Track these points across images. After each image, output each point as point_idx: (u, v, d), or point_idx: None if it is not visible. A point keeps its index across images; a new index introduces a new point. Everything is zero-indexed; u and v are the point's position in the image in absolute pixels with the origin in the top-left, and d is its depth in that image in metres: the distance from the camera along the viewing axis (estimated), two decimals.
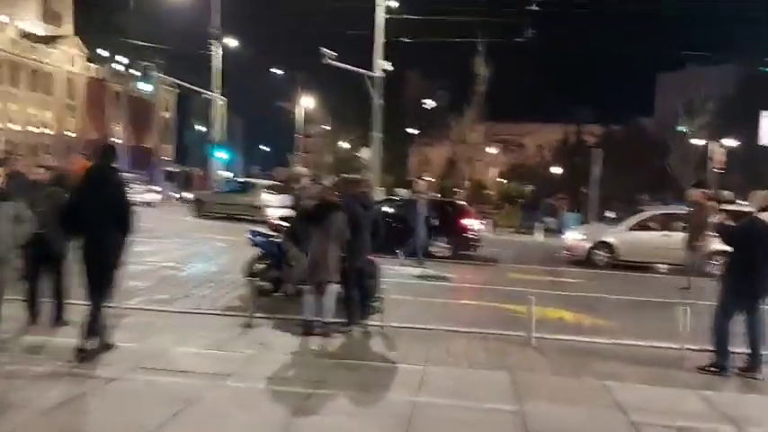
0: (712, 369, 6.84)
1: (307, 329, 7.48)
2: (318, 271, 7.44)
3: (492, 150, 62.22)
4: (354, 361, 6.57)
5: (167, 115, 78.92)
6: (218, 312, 8.40)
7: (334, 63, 22.18)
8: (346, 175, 8.35)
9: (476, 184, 52.46)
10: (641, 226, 16.30)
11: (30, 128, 57.31)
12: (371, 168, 24.31)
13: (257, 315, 8.14)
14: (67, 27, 64.55)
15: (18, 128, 55.54)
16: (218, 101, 31.21)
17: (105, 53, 63.88)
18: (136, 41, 46.06)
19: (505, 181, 55.30)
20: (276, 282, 9.69)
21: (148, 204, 27.31)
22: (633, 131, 45.37)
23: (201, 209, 25.17)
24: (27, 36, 57.60)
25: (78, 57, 62.94)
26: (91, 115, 64.97)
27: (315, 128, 45.10)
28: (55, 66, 59.80)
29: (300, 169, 10.52)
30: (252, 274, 9.80)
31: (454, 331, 8.20)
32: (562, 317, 9.61)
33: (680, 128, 34.04)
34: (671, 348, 7.65)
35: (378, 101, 23.45)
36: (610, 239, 15.95)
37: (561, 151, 57.91)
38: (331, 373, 6.13)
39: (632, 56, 77.19)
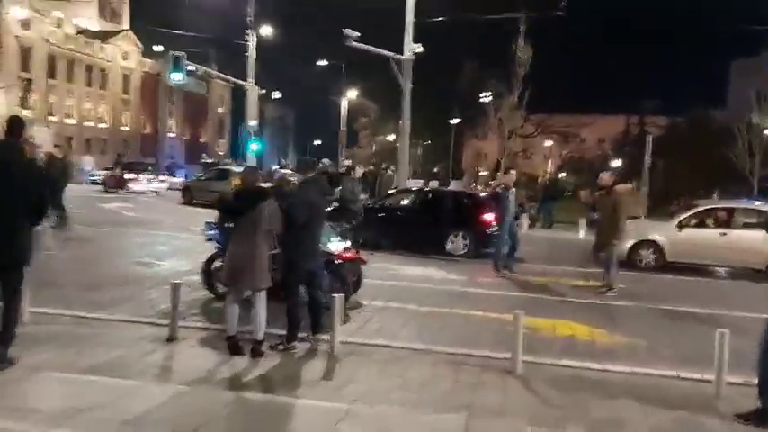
0: (754, 419, 5.00)
1: (233, 347, 6.03)
2: (241, 274, 5.95)
3: (547, 143, 59.55)
4: (261, 395, 5.06)
5: (221, 110, 79.42)
6: (146, 321, 7.03)
7: (357, 45, 20.68)
8: (302, 157, 6.86)
9: (528, 178, 50.09)
10: (695, 222, 14.13)
11: (85, 123, 58.33)
12: (402, 159, 22.70)
13: (187, 325, 6.77)
14: (123, 23, 65.53)
15: (74, 122, 56.58)
16: (253, 91, 30.21)
17: (160, 48, 64.67)
18: (186, 33, 46.08)
19: (548, 174, 52.51)
20: None
21: (155, 192, 30.82)
22: (700, 122, 42.03)
23: (190, 196, 25.98)
24: (83, 32, 58.61)
25: (133, 52, 63.75)
26: (145, 109, 65.78)
27: (360, 120, 43.85)
28: (110, 61, 60.70)
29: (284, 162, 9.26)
30: (208, 275, 8.46)
31: (424, 351, 6.58)
32: (574, 333, 7.82)
33: (753, 119, 30.90)
34: (704, 381, 5.85)
35: (407, 86, 21.81)
36: (656, 237, 13.84)
37: (621, 143, 54.81)
38: (215, 414, 4.66)
39: (705, 42, 72.55)
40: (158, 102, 67.16)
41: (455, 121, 40.13)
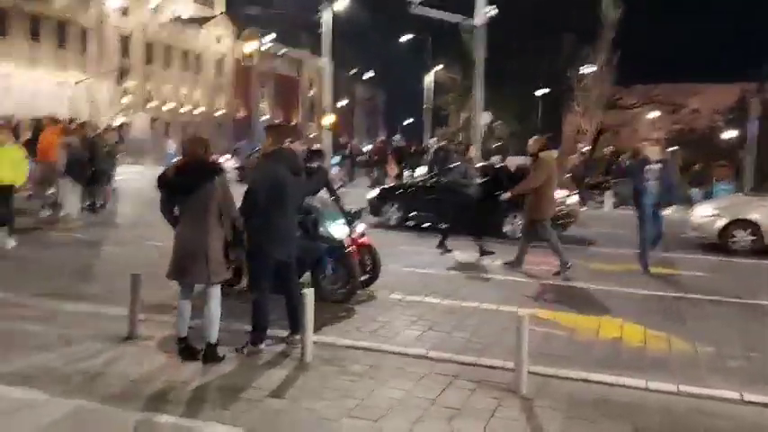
0: None
1: (185, 351, 5.15)
2: (189, 267, 5.02)
3: (651, 115, 55.37)
4: (175, 420, 4.10)
5: (313, 92, 79.91)
6: (113, 315, 6.27)
7: (422, 11, 19.33)
8: (273, 122, 5.77)
9: (633, 152, 46.65)
10: None
11: (182, 108, 60.23)
12: (474, 135, 21.17)
13: (164, 320, 5.99)
14: (218, 8, 66.91)
15: (170, 107, 58.53)
16: (326, 66, 29.55)
17: (253, 32, 65.65)
18: (278, 13, 45.96)
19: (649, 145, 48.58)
20: (236, 272, 7.48)
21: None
22: None
23: (243, 176, 24.67)
24: (178, 19, 60.29)
25: (226, 36, 65.01)
26: (238, 93, 67.13)
27: (445, 96, 42.16)
28: (204, 46, 62.19)
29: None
30: None
31: (418, 358, 5.44)
32: (622, 335, 6.39)
33: None
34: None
35: (480, 55, 20.22)
36: (753, 216, 11.78)
37: (736, 114, 49.95)
38: None
39: None
40: (251, 85, 68.33)
41: (542, 92, 37.58)
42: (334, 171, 27.53)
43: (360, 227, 7.99)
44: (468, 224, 12.74)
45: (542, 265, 9.78)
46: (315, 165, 8.17)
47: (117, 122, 48.95)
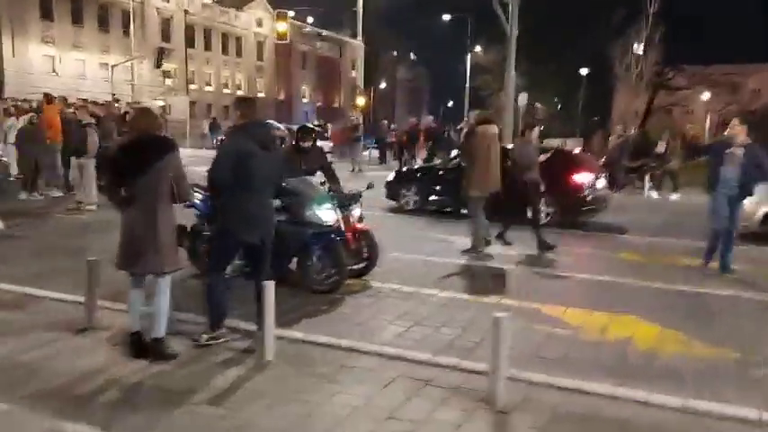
0: None
1: (135, 346, 4.71)
2: (137, 255, 4.56)
3: (704, 96, 53.08)
4: (76, 428, 3.66)
5: (354, 74, 79.42)
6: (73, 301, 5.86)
7: None
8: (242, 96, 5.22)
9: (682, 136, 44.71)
10: None
11: (223, 90, 60.50)
12: (507, 117, 20.24)
13: (107, 306, 5.57)
14: None
15: (212, 90, 58.86)
16: (359, 47, 29.03)
17: (292, 13, 65.30)
18: None
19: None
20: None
21: None
22: None
23: None
24: (219, 1, 60.41)
25: (266, 18, 64.85)
26: (279, 76, 67.06)
27: (484, 76, 41.02)
28: (245, 29, 62.22)
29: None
30: (189, 246, 7.25)
31: (389, 358, 4.88)
32: (634, 335, 5.69)
33: None
34: None
35: (513, 31, 19.26)
36: None
37: None
38: None
39: None
40: (291, 67, 68.18)
41: (586, 71, 36.08)
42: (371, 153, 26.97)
43: (356, 211, 7.45)
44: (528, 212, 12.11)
45: (564, 255, 9.08)
46: (308, 144, 7.69)
47: (157, 104, 49.56)
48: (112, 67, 43.02)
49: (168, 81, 51.86)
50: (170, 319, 4.79)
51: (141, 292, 4.72)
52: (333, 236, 6.61)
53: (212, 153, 7.12)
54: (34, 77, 40.07)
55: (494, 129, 9.09)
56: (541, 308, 6.42)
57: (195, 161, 12.48)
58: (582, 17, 33.02)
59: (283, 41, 27.00)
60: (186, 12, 54.58)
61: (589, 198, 11.20)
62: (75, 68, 45.18)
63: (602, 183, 12.04)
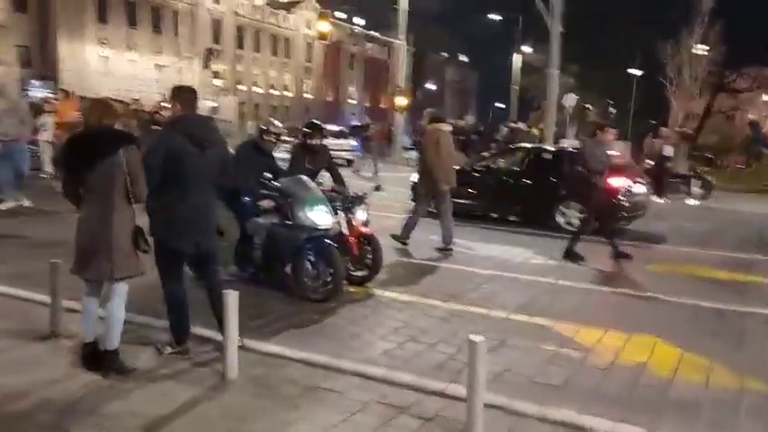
0: None
1: (87, 359, 4.36)
2: (90, 258, 4.22)
3: (766, 97, 50.54)
4: None
5: (405, 75, 78.96)
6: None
7: None
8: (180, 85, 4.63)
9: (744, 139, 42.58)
10: None
11: (271, 91, 61.03)
12: (549, 117, 19.46)
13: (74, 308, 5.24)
14: None
15: (260, 91, 59.43)
16: (401, 48, 28.55)
17: (342, 15, 65.21)
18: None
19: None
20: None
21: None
22: None
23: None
24: (270, 3, 61.00)
25: (315, 20, 65.17)
26: (326, 76, 67.24)
27: (530, 77, 40.03)
28: (294, 30, 62.62)
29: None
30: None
31: (369, 378, 4.41)
32: (649, 360, 5.06)
33: None
34: None
35: (556, 28, 18.49)
36: None
37: None
38: None
39: None
40: (340, 68, 68.29)
41: (636, 72, 34.65)
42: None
43: (361, 214, 7.01)
44: (509, 212, 11.56)
45: (591, 265, 8.44)
46: (316, 142, 7.30)
47: (209, 105, 50.22)
48: (163, 67, 43.86)
49: (217, 82, 52.57)
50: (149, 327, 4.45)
51: (95, 299, 4.37)
52: (327, 240, 6.18)
53: None
54: (89, 78, 41.15)
55: (444, 126, 9.26)
56: (554, 325, 5.85)
57: None
58: (632, 16, 31.74)
59: (325, 41, 26.81)
60: (236, 13, 55.32)
61: (625, 204, 10.44)
62: (128, 69, 46.22)
63: (640, 188, 11.26)
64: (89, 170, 4.13)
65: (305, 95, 64.65)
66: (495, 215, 11.82)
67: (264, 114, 54.63)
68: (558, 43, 18.68)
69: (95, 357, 4.33)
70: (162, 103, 18.90)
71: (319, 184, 6.79)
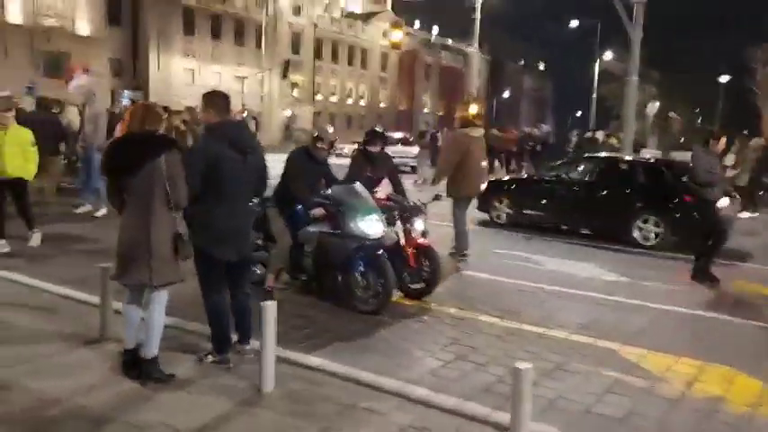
0: None
1: (127, 366, 4.31)
2: (131, 264, 4.16)
3: None
4: None
5: (478, 84, 78.24)
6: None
7: None
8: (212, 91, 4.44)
9: None
10: None
11: (347, 101, 61.73)
12: (627, 125, 18.58)
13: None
14: (387, 4, 67.57)
15: (336, 100, 60.21)
16: (474, 55, 28.19)
17: (419, 24, 65.35)
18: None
19: None
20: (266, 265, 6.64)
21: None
22: None
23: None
24: (348, 15, 61.83)
25: (392, 31, 65.52)
26: (401, 86, 67.37)
27: (609, 85, 38.64)
28: (370, 41, 63.12)
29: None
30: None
31: (410, 400, 4.15)
32: (726, 395, 4.56)
33: None
34: None
35: (637, 33, 17.62)
36: None
37: None
38: None
39: None
40: (414, 77, 68.29)
41: (723, 78, 32.76)
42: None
43: (419, 224, 6.76)
44: (581, 225, 11.02)
45: (666, 284, 7.87)
46: (376, 149, 7.13)
47: (288, 114, 51.22)
48: (243, 79, 45.05)
49: (295, 92, 53.62)
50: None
51: (137, 305, 4.32)
52: (378, 250, 5.97)
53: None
54: (175, 89, 42.70)
55: (476, 131, 8.66)
56: (620, 349, 5.41)
57: None
58: (719, 21, 30.10)
59: (399, 50, 26.79)
60: (315, 26, 56.28)
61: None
62: (212, 80, 47.76)
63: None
64: (130, 175, 4.10)
65: (379, 105, 65.00)
66: (566, 227, 11.30)
67: (341, 124, 55.32)
68: (638, 49, 17.81)
69: (135, 364, 4.28)
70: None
71: (374, 192, 6.60)
